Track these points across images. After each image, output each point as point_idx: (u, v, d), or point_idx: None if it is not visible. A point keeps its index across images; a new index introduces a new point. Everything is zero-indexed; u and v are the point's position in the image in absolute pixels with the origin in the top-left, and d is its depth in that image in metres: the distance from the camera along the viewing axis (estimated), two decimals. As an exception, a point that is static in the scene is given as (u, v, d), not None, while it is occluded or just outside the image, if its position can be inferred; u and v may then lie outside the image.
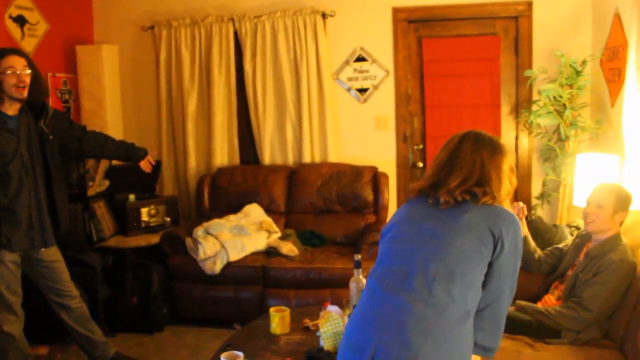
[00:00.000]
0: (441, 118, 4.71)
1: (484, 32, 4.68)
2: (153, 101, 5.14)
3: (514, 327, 2.56)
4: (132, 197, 4.54)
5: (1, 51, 2.98)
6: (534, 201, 4.52)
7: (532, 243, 3.05)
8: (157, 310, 4.09)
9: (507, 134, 4.68)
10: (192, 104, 4.98)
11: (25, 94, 2.94)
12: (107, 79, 4.87)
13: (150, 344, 3.95)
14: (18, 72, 2.90)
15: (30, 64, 2.99)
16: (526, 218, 3.13)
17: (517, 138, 4.71)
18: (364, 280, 1.89)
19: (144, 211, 4.52)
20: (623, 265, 2.60)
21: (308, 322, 2.78)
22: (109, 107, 4.88)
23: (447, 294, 1.67)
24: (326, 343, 2.39)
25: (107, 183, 4.52)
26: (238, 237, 4.18)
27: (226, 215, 4.46)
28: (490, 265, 1.75)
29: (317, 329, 2.57)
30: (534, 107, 4.32)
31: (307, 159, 4.84)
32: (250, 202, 4.60)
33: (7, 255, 2.95)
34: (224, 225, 4.25)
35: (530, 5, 4.55)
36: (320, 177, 4.64)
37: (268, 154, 4.94)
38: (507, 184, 1.86)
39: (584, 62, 4.11)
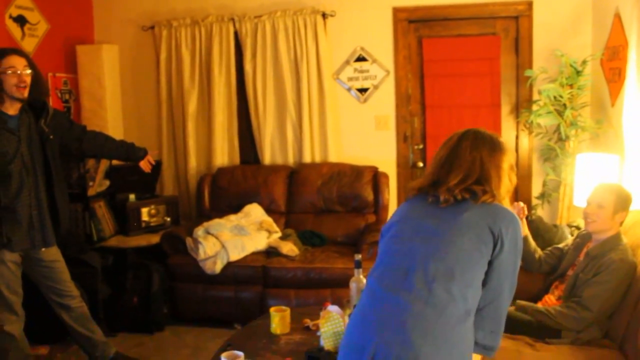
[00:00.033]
0: (441, 118, 4.71)
1: (484, 32, 4.68)
2: (153, 101, 5.14)
3: (514, 327, 2.56)
4: (132, 197, 4.54)
5: (2, 51, 2.99)
6: (534, 201, 4.52)
7: (533, 243, 3.05)
8: (158, 310, 4.09)
9: (508, 134, 4.68)
10: (192, 104, 4.98)
11: (26, 93, 2.94)
12: (108, 79, 4.87)
13: (150, 343, 3.95)
14: (19, 72, 2.91)
15: (31, 64, 2.99)
16: (526, 218, 3.13)
17: (517, 138, 4.71)
18: (365, 280, 1.89)
19: (145, 211, 4.52)
20: (623, 265, 2.60)
21: (308, 322, 2.78)
22: (109, 107, 4.88)
23: (447, 293, 1.67)
24: (326, 343, 2.39)
25: (107, 183, 4.52)
26: (238, 237, 4.18)
27: (226, 215, 4.47)
28: (490, 263, 1.75)
29: (318, 328, 2.57)
30: (534, 107, 4.32)
31: (307, 158, 4.84)
32: (250, 202, 4.61)
33: (7, 255, 2.95)
34: (224, 225, 4.26)
35: (530, 5, 4.55)
36: (320, 177, 4.64)
37: (268, 154, 4.94)
38: (506, 182, 1.86)
39: (584, 62, 4.11)
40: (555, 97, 4.12)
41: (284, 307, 2.78)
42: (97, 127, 3.98)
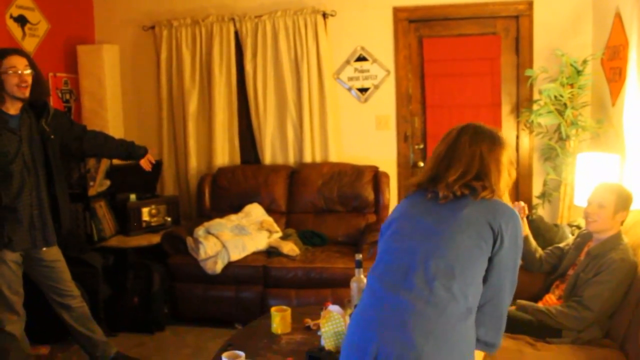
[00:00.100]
0: (442, 117, 4.71)
1: (484, 32, 4.68)
2: (154, 101, 5.14)
3: (515, 326, 2.56)
4: (133, 196, 4.54)
5: (3, 51, 2.99)
6: (535, 200, 4.52)
7: (533, 242, 3.05)
8: (158, 310, 4.09)
9: (508, 134, 4.68)
10: (192, 104, 4.98)
11: (27, 93, 2.95)
12: (108, 79, 4.87)
13: (151, 343, 3.95)
14: (20, 72, 2.91)
15: (32, 64, 3.00)
16: (527, 217, 3.13)
17: (518, 137, 4.71)
18: (365, 280, 1.88)
19: (145, 211, 4.52)
20: (624, 265, 2.60)
21: (309, 322, 2.79)
22: (109, 107, 4.88)
23: (447, 291, 1.66)
24: (327, 343, 2.39)
25: (108, 183, 4.52)
26: (239, 236, 4.18)
27: (227, 215, 4.47)
28: (490, 260, 1.74)
29: (318, 328, 2.57)
30: (535, 107, 4.32)
31: (307, 158, 4.84)
32: (251, 201, 4.61)
33: (8, 255, 2.96)
34: (224, 225, 4.26)
35: (530, 4, 4.55)
36: (321, 176, 4.64)
37: (269, 154, 4.94)
38: (506, 177, 1.85)
39: (584, 62, 4.11)
40: (555, 97, 4.12)
41: (284, 307, 2.79)
42: (97, 127, 3.98)
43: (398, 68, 4.78)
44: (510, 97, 4.69)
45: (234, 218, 4.40)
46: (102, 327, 3.46)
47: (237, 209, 4.57)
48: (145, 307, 4.07)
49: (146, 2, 5.10)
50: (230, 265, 4.06)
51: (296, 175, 4.74)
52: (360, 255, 2.63)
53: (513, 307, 2.73)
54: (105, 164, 4.44)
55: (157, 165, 5.02)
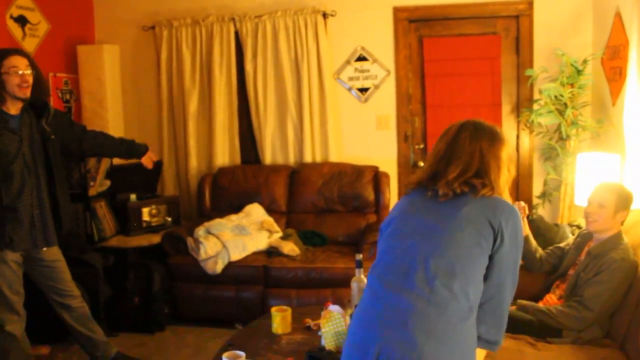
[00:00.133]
0: (442, 117, 4.71)
1: (484, 32, 4.68)
2: (154, 101, 5.14)
3: (515, 326, 2.56)
4: (133, 196, 4.53)
5: (4, 51, 2.99)
6: (535, 200, 4.52)
7: (534, 242, 3.05)
8: (159, 310, 4.09)
9: (508, 133, 4.67)
10: (193, 104, 4.98)
11: (28, 93, 2.95)
12: (108, 79, 4.87)
13: (151, 343, 3.95)
14: (21, 72, 2.91)
15: (32, 64, 3.00)
16: (527, 217, 3.13)
17: (518, 137, 4.71)
18: (366, 280, 1.87)
19: (145, 211, 4.51)
20: (624, 265, 2.60)
21: (309, 322, 2.79)
22: (110, 107, 4.88)
23: (448, 291, 1.66)
24: (328, 343, 2.39)
25: (108, 183, 4.52)
26: (239, 236, 4.18)
27: (227, 215, 4.47)
28: (490, 258, 1.73)
29: (319, 328, 2.57)
30: (535, 106, 4.32)
31: (308, 158, 4.84)
32: (251, 201, 4.61)
33: (9, 255, 2.96)
34: (225, 225, 4.26)
35: (531, 4, 4.55)
36: (321, 176, 4.64)
37: (269, 154, 4.94)
38: (505, 173, 1.84)
39: (585, 61, 4.11)
40: (556, 97, 4.12)
41: (285, 307, 2.78)
42: (98, 127, 3.98)
43: (398, 68, 4.78)
44: (510, 96, 4.69)
45: (234, 218, 4.40)
46: (102, 327, 3.46)
47: (237, 209, 4.57)
48: (146, 307, 4.07)
49: (146, 2, 5.10)
50: (230, 265, 4.06)
51: (296, 175, 4.74)
52: (361, 255, 2.63)
53: (514, 307, 2.73)
54: (105, 164, 4.44)
55: (158, 165, 5.03)
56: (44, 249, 3.09)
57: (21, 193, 2.96)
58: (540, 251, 3.05)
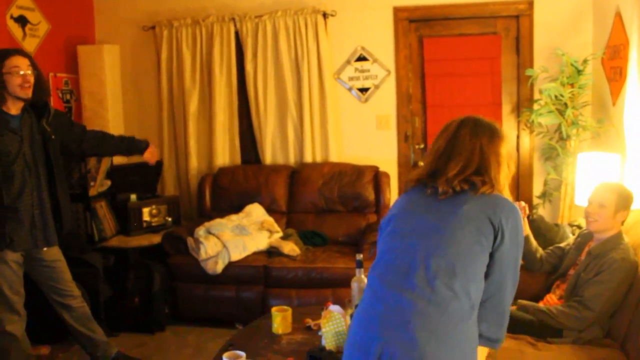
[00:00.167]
0: (442, 117, 4.63)
1: (485, 32, 4.68)
2: (154, 101, 5.14)
3: (516, 326, 2.56)
4: (133, 197, 4.54)
5: (6, 51, 3.00)
6: (536, 200, 4.52)
7: (534, 242, 3.05)
8: (159, 310, 4.09)
9: (509, 133, 4.67)
10: (193, 104, 4.98)
11: (30, 93, 2.96)
12: (109, 79, 4.87)
13: (151, 343, 3.95)
14: (22, 72, 2.92)
15: (33, 64, 3.00)
16: (528, 217, 3.13)
17: (518, 137, 4.71)
18: (366, 280, 1.87)
19: (146, 211, 4.51)
20: (625, 264, 2.60)
21: (310, 322, 2.79)
22: (110, 107, 4.88)
23: (449, 290, 1.65)
24: (328, 342, 2.39)
25: (108, 183, 4.52)
26: (239, 236, 4.18)
27: (228, 215, 4.46)
28: (491, 256, 1.73)
29: (319, 328, 2.57)
30: (535, 106, 4.32)
31: (308, 158, 4.84)
32: (251, 201, 4.61)
33: (10, 255, 2.96)
34: (225, 225, 4.26)
35: (531, 4, 4.55)
36: (321, 176, 4.64)
37: (269, 154, 4.94)
38: (505, 169, 1.83)
39: (585, 61, 4.11)
40: (556, 97, 4.12)
41: (285, 307, 2.78)
42: (98, 128, 3.97)
43: (398, 68, 4.78)
44: (510, 96, 4.69)
45: (234, 218, 4.40)
46: (102, 327, 3.46)
47: (237, 209, 4.57)
48: (146, 307, 4.07)
49: (146, 2, 5.10)
50: (230, 265, 4.06)
51: (297, 175, 4.74)
52: (361, 255, 2.63)
53: (514, 307, 2.73)
54: (105, 164, 4.44)
55: (158, 165, 5.04)
56: (44, 249, 3.09)
57: (22, 193, 2.96)
58: (540, 251, 3.04)
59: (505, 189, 1.83)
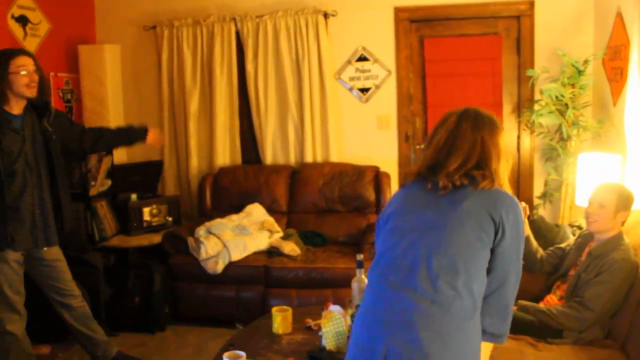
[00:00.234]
0: (443, 118, 4.70)
1: (485, 32, 4.68)
2: (155, 101, 5.14)
3: (516, 326, 2.54)
4: (134, 196, 4.54)
5: (11, 51, 3.01)
6: (536, 201, 4.52)
7: (534, 243, 3.05)
8: (159, 309, 4.09)
9: (509, 134, 4.68)
10: (194, 104, 4.98)
11: (35, 92, 2.97)
12: (109, 79, 4.87)
13: (152, 343, 3.95)
14: (24, 72, 2.92)
15: (37, 64, 3.01)
16: (528, 218, 3.13)
17: (519, 137, 4.71)
18: (366, 280, 1.86)
19: (146, 211, 4.52)
20: (625, 265, 2.60)
21: (310, 322, 2.78)
22: (111, 107, 4.88)
23: (452, 289, 1.64)
24: (328, 343, 2.39)
25: (109, 182, 4.53)
26: (240, 236, 4.18)
27: (228, 215, 4.47)
28: (492, 251, 1.71)
29: (319, 328, 2.57)
30: (536, 107, 4.32)
31: (309, 158, 4.84)
32: (252, 201, 4.61)
33: (10, 255, 2.96)
34: (225, 225, 4.26)
35: (532, 4, 4.54)
36: (322, 176, 4.64)
37: (270, 154, 4.94)
38: (504, 162, 1.81)
39: (586, 62, 4.11)
40: (557, 97, 4.12)
41: (285, 307, 2.78)
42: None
43: (399, 68, 4.78)
44: (511, 97, 4.69)
45: (235, 218, 4.40)
46: (103, 327, 3.46)
47: (238, 208, 4.57)
48: (146, 307, 4.07)
49: (147, 2, 5.10)
50: (231, 265, 4.06)
51: (297, 175, 4.74)
52: (362, 256, 2.63)
53: (514, 308, 2.73)
54: (106, 163, 4.44)
55: (158, 165, 5.04)
56: (45, 248, 3.10)
57: (23, 192, 2.96)
58: (541, 252, 3.04)
59: (505, 182, 1.80)
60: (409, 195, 1.86)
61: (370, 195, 4.55)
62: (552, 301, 2.85)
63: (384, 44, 4.79)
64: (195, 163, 5.03)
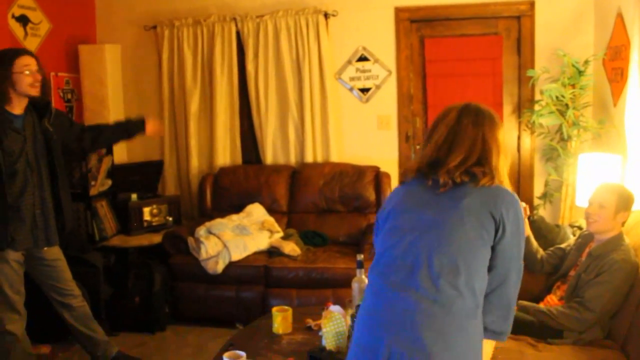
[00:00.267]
0: (443, 118, 4.70)
1: (486, 32, 4.68)
2: (155, 101, 5.14)
3: (516, 327, 2.52)
4: (134, 196, 4.54)
5: (15, 51, 3.01)
6: (536, 201, 4.52)
7: (535, 243, 3.05)
8: (159, 309, 4.09)
9: (510, 134, 4.68)
10: (194, 104, 4.98)
11: (39, 91, 2.97)
12: (110, 79, 4.87)
13: (152, 343, 3.95)
14: (28, 72, 2.93)
15: (39, 64, 3.01)
16: (528, 218, 3.12)
17: (519, 138, 4.71)
18: (367, 280, 1.85)
19: (146, 210, 4.52)
20: (625, 266, 2.60)
21: (310, 322, 2.78)
22: (111, 106, 4.88)
23: (454, 289, 1.64)
24: (328, 343, 2.39)
25: (109, 182, 4.53)
26: (240, 236, 4.18)
27: (228, 214, 4.47)
28: (493, 249, 1.71)
29: (320, 328, 2.57)
30: (537, 107, 4.31)
31: (309, 158, 4.84)
32: (252, 201, 4.61)
33: (11, 254, 2.96)
34: (226, 225, 4.26)
35: (532, 4, 4.54)
36: (322, 176, 4.64)
37: (270, 154, 4.94)
38: (504, 158, 1.81)
39: (586, 62, 4.10)
40: (557, 97, 4.12)
41: (286, 307, 2.78)
42: (99, 127, 3.99)
43: (399, 68, 4.78)
44: (511, 97, 4.69)
45: (235, 218, 4.40)
46: (103, 327, 3.46)
47: (238, 208, 4.57)
48: (146, 307, 4.07)
49: (148, 2, 5.10)
50: (231, 265, 4.06)
51: (297, 175, 4.74)
52: (362, 256, 2.63)
53: (515, 308, 2.72)
54: (106, 163, 4.44)
55: (159, 165, 5.04)
56: (45, 248, 3.10)
57: (23, 192, 2.96)
58: (541, 252, 3.04)
59: (505, 179, 1.79)
60: (409, 192, 1.85)
61: (371, 195, 4.55)
62: (552, 301, 2.85)
63: (384, 44, 4.79)
64: (195, 163, 5.03)
